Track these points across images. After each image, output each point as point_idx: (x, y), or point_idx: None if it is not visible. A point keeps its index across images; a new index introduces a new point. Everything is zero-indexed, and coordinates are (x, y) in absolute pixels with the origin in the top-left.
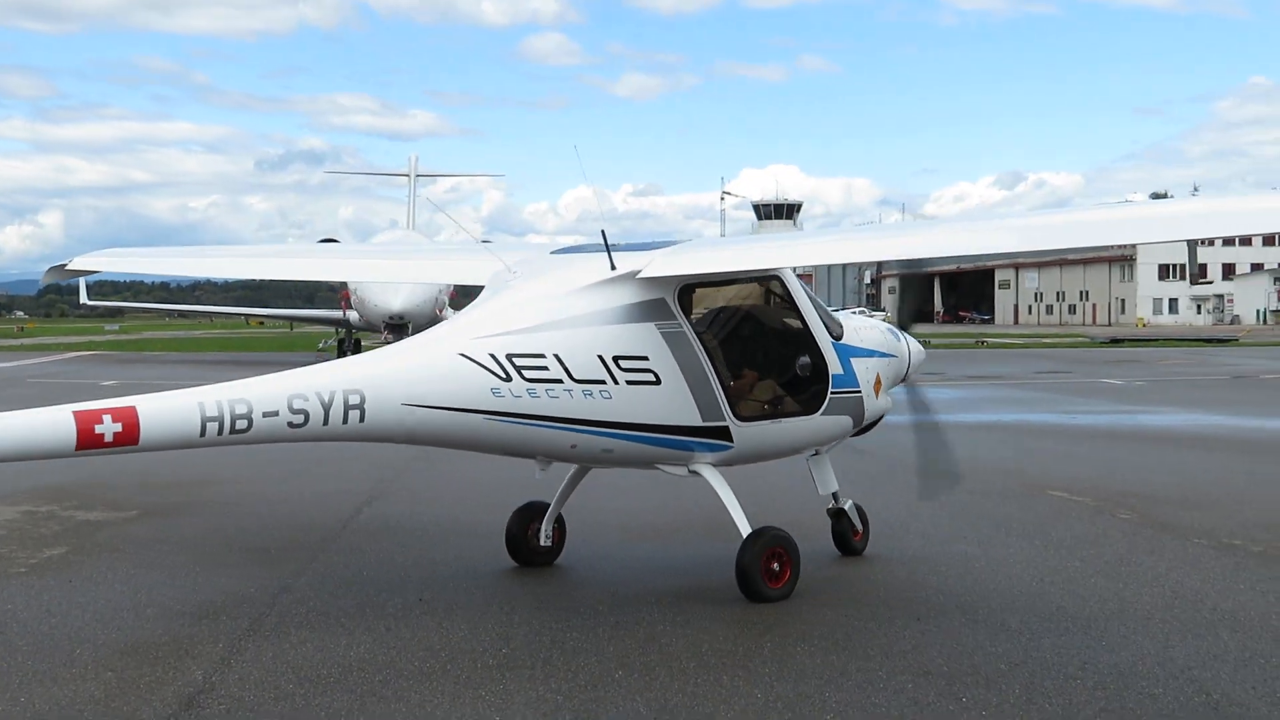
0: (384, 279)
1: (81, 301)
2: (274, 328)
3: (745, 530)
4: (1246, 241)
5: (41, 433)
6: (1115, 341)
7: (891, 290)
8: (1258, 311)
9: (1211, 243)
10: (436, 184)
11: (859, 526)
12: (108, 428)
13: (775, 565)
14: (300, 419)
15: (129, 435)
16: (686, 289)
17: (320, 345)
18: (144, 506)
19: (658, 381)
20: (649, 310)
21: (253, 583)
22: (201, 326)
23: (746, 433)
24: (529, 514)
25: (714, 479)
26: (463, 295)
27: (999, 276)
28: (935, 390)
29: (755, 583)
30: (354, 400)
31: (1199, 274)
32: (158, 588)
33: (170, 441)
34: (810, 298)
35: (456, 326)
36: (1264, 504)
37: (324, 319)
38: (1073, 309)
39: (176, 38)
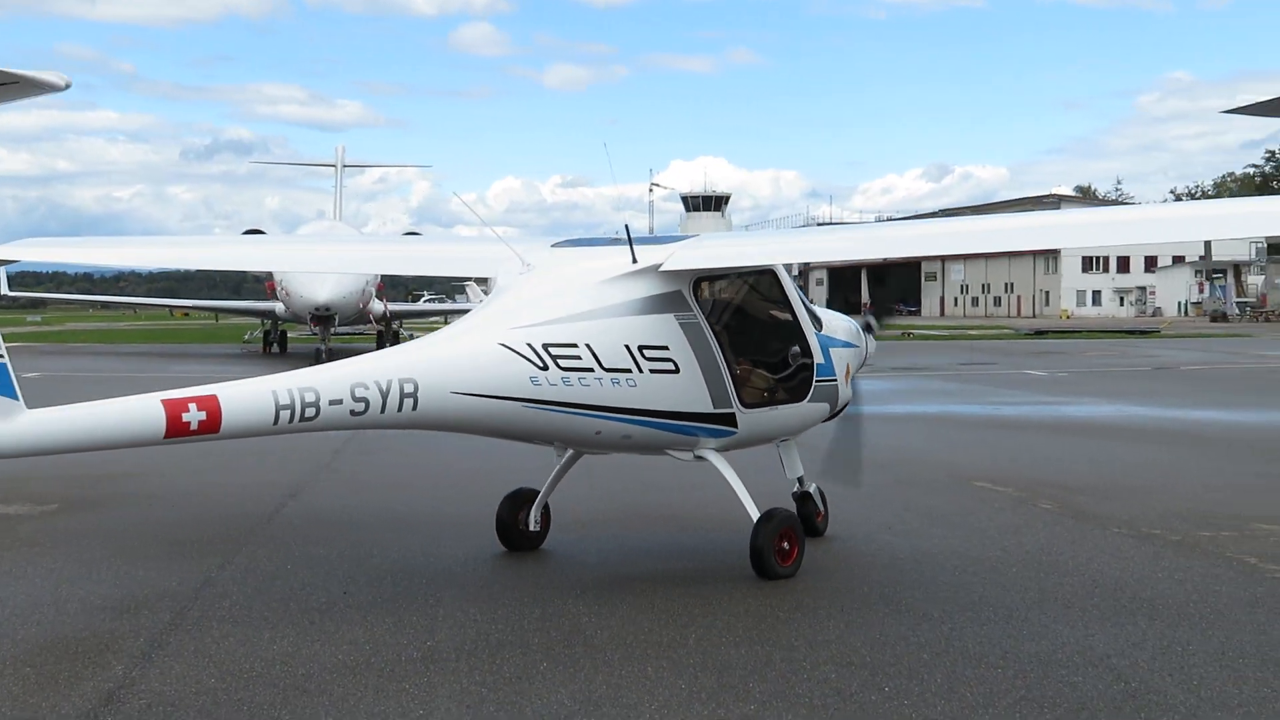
0: (399, 269)
1: (2, 293)
2: (199, 319)
3: (754, 513)
4: None
5: (134, 421)
6: (1039, 333)
7: (819, 282)
8: (1179, 304)
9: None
10: (364, 175)
11: (821, 508)
12: (193, 416)
13: (785, 545)
14: (361, 406)
15: (212, 424)
16: (699, 281)
17: (246, 337)
18: (66, 500)
19: (677, 370)
20: (669, 301)
21: (175, 577)
22: (125, 318)
23: (749, 419)
24: (518, 500)
25: (720, 464)
26: (390, 286)
27: (926, 269)
28: (863, 381)
29: (769, 562)
30: (409, 389)
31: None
32: (79, 582)
33: (248, 429)
34: (798, 291)
35: (490, 316)
36: (1182, 494)
37: (250, 310)
38: (998, 301)
39: (99, 25)
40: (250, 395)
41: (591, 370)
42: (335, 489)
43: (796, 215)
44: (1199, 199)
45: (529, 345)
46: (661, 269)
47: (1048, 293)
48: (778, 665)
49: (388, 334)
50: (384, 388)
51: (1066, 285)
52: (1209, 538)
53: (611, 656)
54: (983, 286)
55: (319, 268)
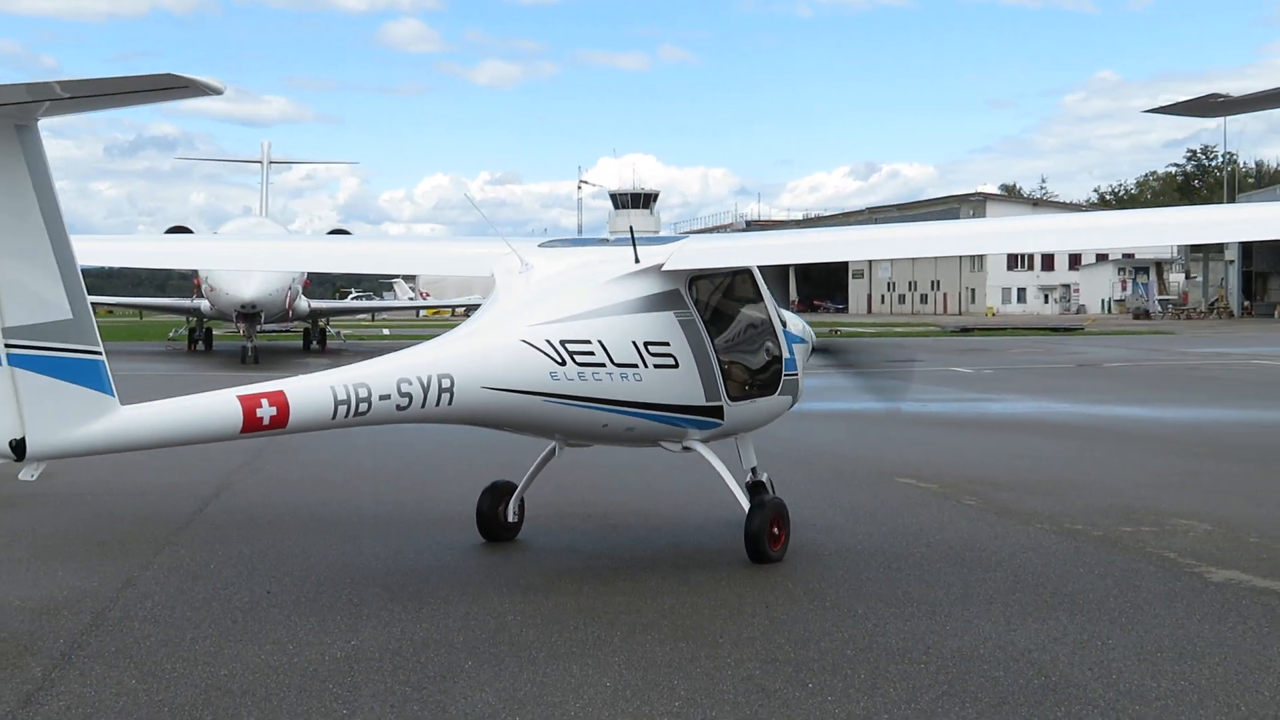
0: (396, 268)
1: None
2: (123, 316)
3: (744, 501)
4: None
5: (216, 417)
6: (965, 330)
7: None
8: (1102, 301)
9: None
10: (291, 171)
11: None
12: (265, 411)
13: (775, 530)
14: (406, 401)
15: (282, 418)
16: (692, 280)
17: (171, 334)
18: None
19: (676, 365)
20: (669, 300)
21: (96, 577)
22: None
23: (733, 411)
24: (497, 493)
25: (708, 454)
26: (317, 283)
27: (853, 266)
28: None
29: (763, 547)
30: (446, 384)
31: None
32: None
33: (310, 424)
34: (768, 290)
35: (506, 313)
36: (1105, 489)
37: (174, 308)
38: (924, 298)
39: (21, 19)
40: (313, 390)
41: (604, 365)
42: (259, 488)
43: (725, 213)
44: (1123, 198)
45: (548, 341)
46: (664, 268)
47: (973, 290)
48: (702, 663)
49: (314, 331)
50: (425, 383)
51: (992, 283)
52: (1130, 533)
53: (536, 655)
54: (909, 284)
55: (318, 267)
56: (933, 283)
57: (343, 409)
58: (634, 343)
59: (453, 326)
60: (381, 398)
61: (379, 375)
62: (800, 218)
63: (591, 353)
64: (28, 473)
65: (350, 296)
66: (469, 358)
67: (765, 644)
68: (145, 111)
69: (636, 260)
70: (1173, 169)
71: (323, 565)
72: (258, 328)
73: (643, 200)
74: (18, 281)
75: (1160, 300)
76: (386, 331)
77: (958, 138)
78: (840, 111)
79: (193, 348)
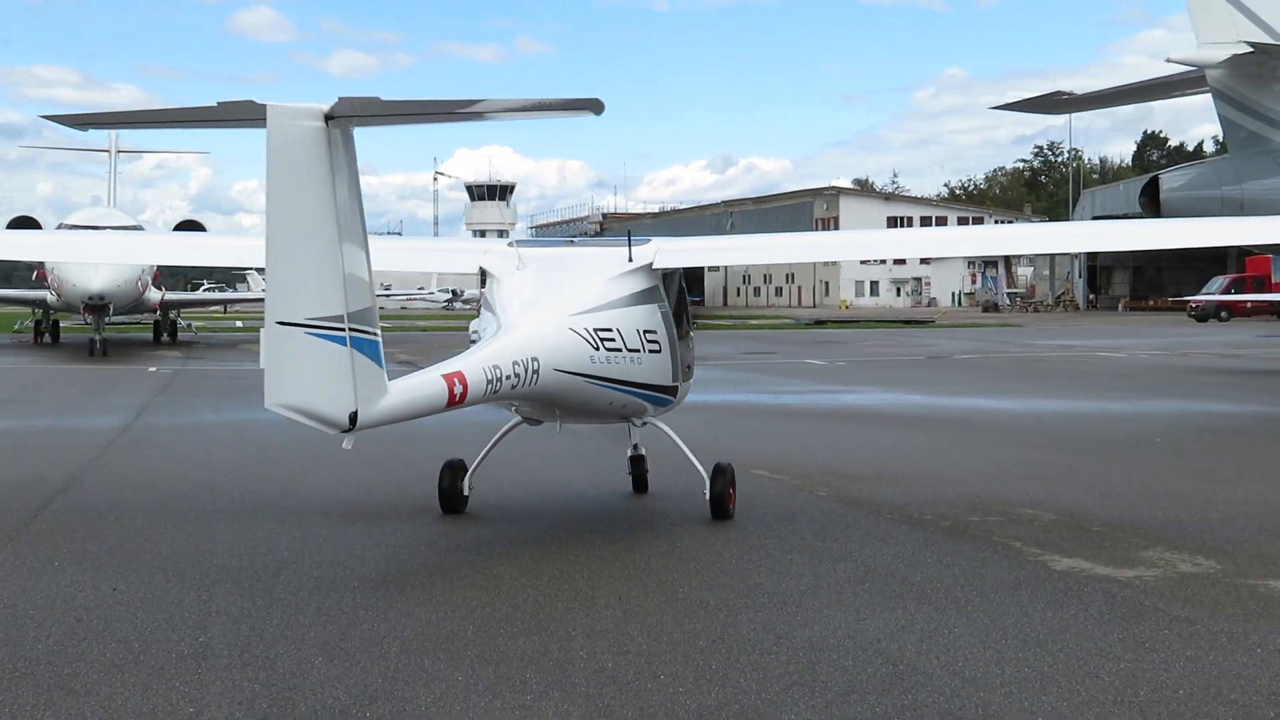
0: (396, 266)
1: None
2: None
3: (703, 469)
4: (943, 225)
5: (434, 394)
6: (819, 323)
7: None
8: (953, 294)
9: (910, 225)
10: (141, 161)
11: (648, 467)
12: (457, 389)
13: (731, 490)
14: (516, 380)
15: (464, 394)
16: (665, 276)
17: (16, 326)
18: None
19: (659, 351)
20: (655, 294)
21: None
22: None
23: (680, 391)
24: (455, 470)
25: (667, 427)
26: (167, 274)
27: None
28: None
29: (725, 506)
30: (534, 366)
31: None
32: None
33: (475, 399)
34: None
35: (541, 304)
36: (953, 479)
37: (19, 299)
38: (779, 291)
39: None
40: (476, 371)
41: (620, 350)
42: (109, 483)
43: (581, 205)
44: (972, 192)
45: (585, 329)
46: (654, 267)
47: (828, 283)
48: (555, 655)
49: (165, 323)
50: (525, 365)
51: (846, 276)
52: (977, 523)
53: (388, 650)
54: (764, 276)
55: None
56: (788, 275)
57: (490, 386)
58: (638, 330)
59: None
60: (505, 376)
61: (501, 357)
62: (656, 210)
63: (613, 339)
64: (348, 442)
65: (202, 288)
66: (544, 343)
67: (618, 636)
68: None
69: (630, 259)
70: (1020, 165)
71: (172, 561)
72: (106, 319)
73: (499, 192)
74: (354, 273)
75: (1009, 293)
76: (239, 324)
77: (812, 132)
78: (697, 105)
79: (39, 340)
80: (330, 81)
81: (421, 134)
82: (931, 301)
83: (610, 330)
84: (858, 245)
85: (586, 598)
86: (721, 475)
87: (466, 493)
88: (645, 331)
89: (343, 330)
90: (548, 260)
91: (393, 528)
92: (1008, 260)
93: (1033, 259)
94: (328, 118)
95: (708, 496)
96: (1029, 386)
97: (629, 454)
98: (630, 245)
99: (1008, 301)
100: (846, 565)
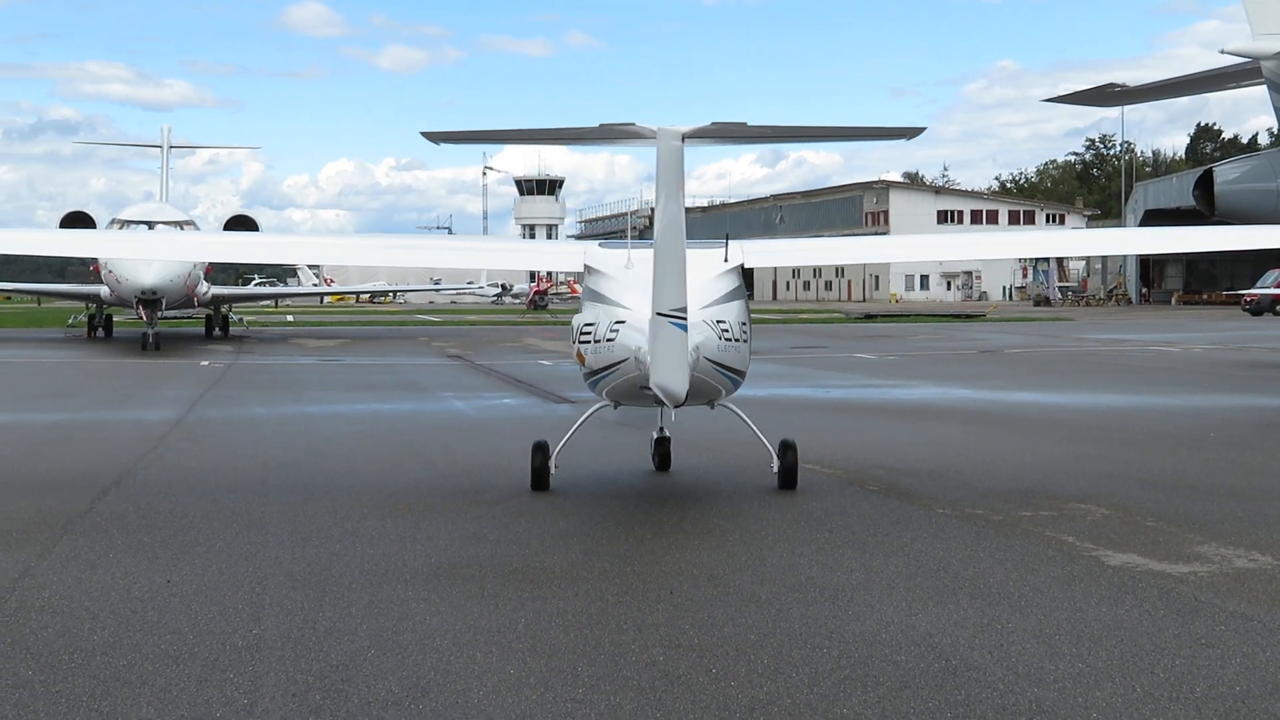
0: (497, 265)
1: None
2: (20, 303)
3: (770, 445)
4: (993, 220)
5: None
6: (869, 317)
7: None
8: (1004, 288)
9: (960, 220)
10: (194, 156)
11: (670, 449)
12: None
13: (797, 464)
14: (692, 362)
15: None
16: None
17: (70, 321)
18: None
19: (746, 341)
20: (743, 289)
21: None
22: None
23: (746, 377)
24: (543, 450)
25: (737, 409)
26: (219, 269)
27: None
28: None
29: (795, 476)
30: (698, 354)
31: None
32: None
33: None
34: None
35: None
36: (1005, 474)
37: (74, 294)
38: (829, 285)
39: None
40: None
41: (733, 340)
42: (161, 476)
43: (630, 199)
44: (1023, 185)
45: (715, 320)
46: (746, 266)
47: (877, 277)
48: (606, 649)
49: (217, 318)
50: (699, 352)
51: (896, 270)
52: (1029, 518)
53: (440, 642)
54: (814, 270)
55: (416, 263)
56: (838, 270)
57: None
58: (739, 322)
59: (356, 312)
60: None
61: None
62: (705, 204)
63: (728, 329)
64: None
65: (253, 283)
66: (700, 335)
67: (670, 629)
68: (44, 93)
69: (726, 259)
70: (1071, 158)
71: (225, 553)
72: (159, 314)
73: (548, 186)
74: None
75: (1060, 287)
76: (291, 318)
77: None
78: (746, 99)
79: (92, 334)
80: (380, 76)
81: (470, 127)
82: (982, 295)
83: (726, 322)
84: (922, 247)
85: (638, 591)
86: (791, 450)
87: (553, 471)
88: (741, 323)
89: (685, 319)
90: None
91: (444, 521)
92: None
93: None
94: (684, 137)
95: (776, 469)
96: (1081, 381)
97: (655, 436)
98: (728, 247)
99: (1059, 295)
100: (898, 560)
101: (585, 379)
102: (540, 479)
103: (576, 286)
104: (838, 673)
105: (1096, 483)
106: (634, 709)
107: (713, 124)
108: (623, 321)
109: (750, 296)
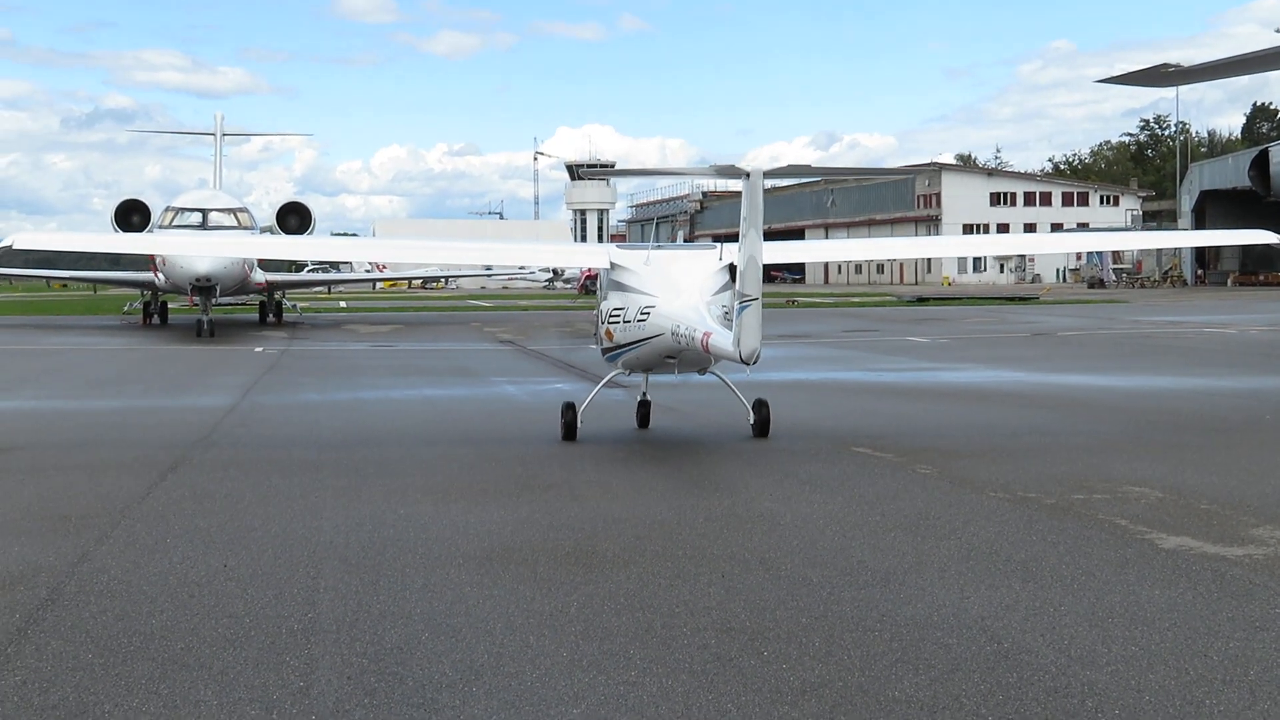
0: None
1: None
2: (76, 290)
3: (746, 401)
4: (1046, 202)
5: (725, 345)
6: (921, 300)
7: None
8: (1057, 271)
9: (1013, 202)
10: (249, 144)
11: (650, 411)
12: (705, 341)
13: (769, 417)
14: (686, 342)
15: (706, 345)
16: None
17: (125, 308)
18: None
19: (730, 326)
20: (731, 283)
21: (51, 552)
22: (2, 289)
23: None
24: (572, 408)
25: (724, 375)
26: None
27: (809, 237)
28: None
29: (766, 428)
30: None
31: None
32: None
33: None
34: None
35: (679, 289)
36: (1057, 457)
37: (129, 281)
38: (881, 269)
39: None
40: (716, 334)
41: (727, 321)
42: (216, 462)
43: (681, 183)
44: (1077, 167)
45: (719, 307)
46: (733, 264)
47: (929, 260)
48: (659, 632)
49: (270, 304)
50: (697, 335)
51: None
52: (1082, 500)
53: (493, 626)
54: None
55: (457, 261)
56: None
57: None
58: (726, 310)
59: (408, 298)
60: (674, 333)
61: (677, 318)
62: None
63: (728, 316)
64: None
65: (307, 269)
66: (704, 317)
67: (721, 613)
68: (99, 82)
69: (720, 259)
70: (1126, 138)
71: (280, 538)
72: (213, 301)
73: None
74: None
75: (1114, 269)
76: (344, 304)
77: (914, 107)
78: (800, 81)
79: (148, 321)
80: (432, 62)
81: (522, 114)
82: (1036, 278)
83: (727, 309)
84: (884, 249)
85: (689, 575)
86: (765, 406)
87: (580, 425)
88: (727, 311)
89: (757, 300)
90: (667, 259)
91: (496, 506)
92: None
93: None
94: (766, 174)
95: (751, 421)
96: (1135, 363)
97: (639, 399)
98: (722, 249)
99: (1113, 277)
100: (950, 543)
101: (605, 353)
102: (570, 431)
103: None
104: (889, 656)
105: (1150, 465)
106: (685, 692)
107: (789, 165)
108: (652, 306)
109: (801, 280)
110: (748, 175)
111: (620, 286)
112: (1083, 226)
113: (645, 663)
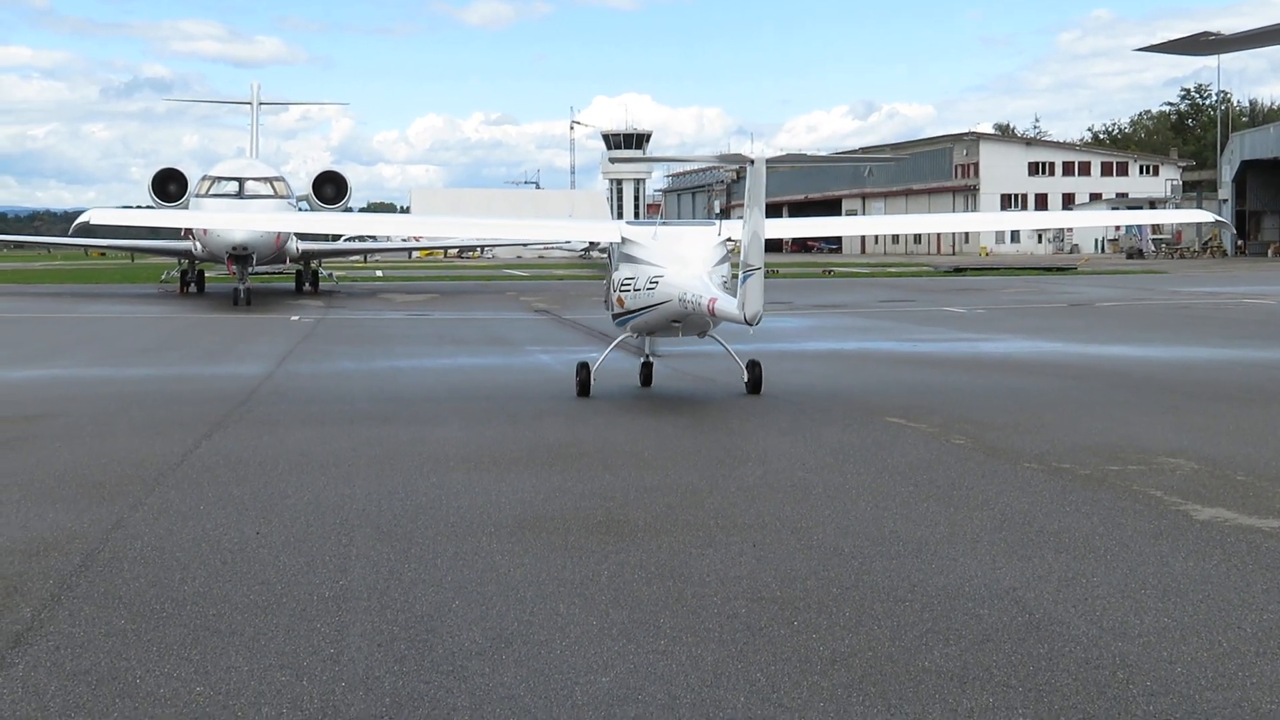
0: (542, 238)
1: None
2: (115, 259)
3: (740, 361)
4: (1085, 171)
5: (731, 309)
6: (958, 270)
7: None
8: (1096, 241)
9: (1051, 172)
10: (286, 113)
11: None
12: (711, 305)
13: (759, 374)
14: (693, 307)
15: (712, 310)
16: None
17: (163, 277)
18: None
19: (731, 293)
20: (729, 255)
21: (86, 518)
22: (41, 258)
23: None
24: (586, 367)
25: (720, 337)
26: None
27: (846, 206)
28: (782, 320)
29: (760, 385)
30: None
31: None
32: None
33: (711, 325)
34: None
35: (683, 262)
36: (1093, 428)
37: (167, 250)
38: (918, 239)
39: None
40: (721, 295)
41: (726, 292)
42: (250, 429)
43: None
44: (1116, 137)
45: (720, 278)
46: (730, 238)
47: (967, 230)
48: (689, 601)
49: (306, 273)
50: (703, 301)
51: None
52: (1117, 472)
53: (524, 594)
54: None
55: (481, 236)
56: None
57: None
58: (724, 279)
59: (444, 267)
60: (682, 299)
61: (682, 287)
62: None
63: (727, 284)
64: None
65: (343, 238)
66: (703, 286)
67: (752, 582)
68: (139, 51)
69: (719, 234)
70: (1166, 108)
71: (313, 506)
72: (249, 269)
73: (636, 141)
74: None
75: (1154, 240)
76: (380, 273)
77: (952, 76)
78: (839, 50)
79: (184, 290)
80: (468, 31)
81: (559, 83)
82: (1074, 248)
83: (726, 279)
84: (860, 224)
85: (720, 544)
86: (759, 365)
87: (592, 384)
88: (725, 280)
89: (760, 270)
90: (672, 234)
91: (528, 474)
92: (1153, 205)
93: (1179, 203)
94: (767, 162)
95: (745, 380)
96: (1173, 334)
97: (642, 360)
98: (721, 224)
99: (1152, 248)
100: (983, 513)
101: (615, 318)
102: (584, 389)
103: None
104: (920, 626)
105: (1186, 436)
106: (715, 660)
107: (786, 154)
108: (661, 276)
109: (838, 250)
110: (751, 162)
111: (630, 259)
112: (1121, 196)
113: (675, 631)
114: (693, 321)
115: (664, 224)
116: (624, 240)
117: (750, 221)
